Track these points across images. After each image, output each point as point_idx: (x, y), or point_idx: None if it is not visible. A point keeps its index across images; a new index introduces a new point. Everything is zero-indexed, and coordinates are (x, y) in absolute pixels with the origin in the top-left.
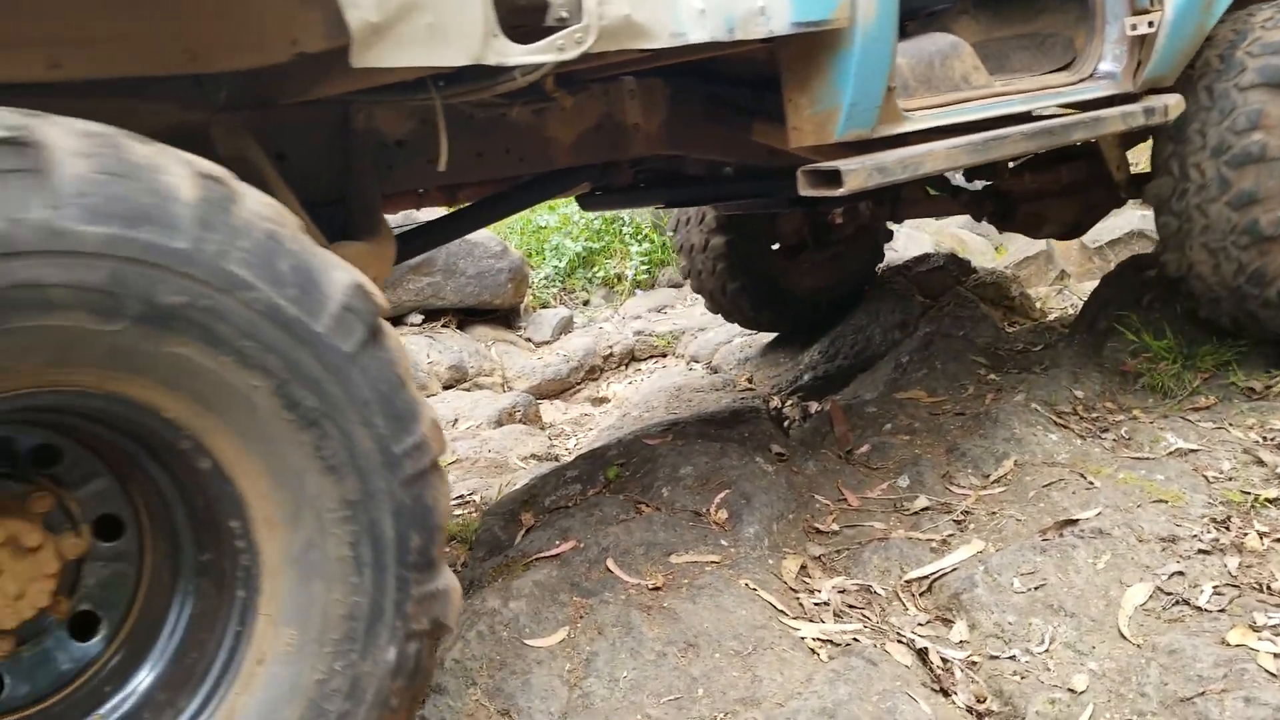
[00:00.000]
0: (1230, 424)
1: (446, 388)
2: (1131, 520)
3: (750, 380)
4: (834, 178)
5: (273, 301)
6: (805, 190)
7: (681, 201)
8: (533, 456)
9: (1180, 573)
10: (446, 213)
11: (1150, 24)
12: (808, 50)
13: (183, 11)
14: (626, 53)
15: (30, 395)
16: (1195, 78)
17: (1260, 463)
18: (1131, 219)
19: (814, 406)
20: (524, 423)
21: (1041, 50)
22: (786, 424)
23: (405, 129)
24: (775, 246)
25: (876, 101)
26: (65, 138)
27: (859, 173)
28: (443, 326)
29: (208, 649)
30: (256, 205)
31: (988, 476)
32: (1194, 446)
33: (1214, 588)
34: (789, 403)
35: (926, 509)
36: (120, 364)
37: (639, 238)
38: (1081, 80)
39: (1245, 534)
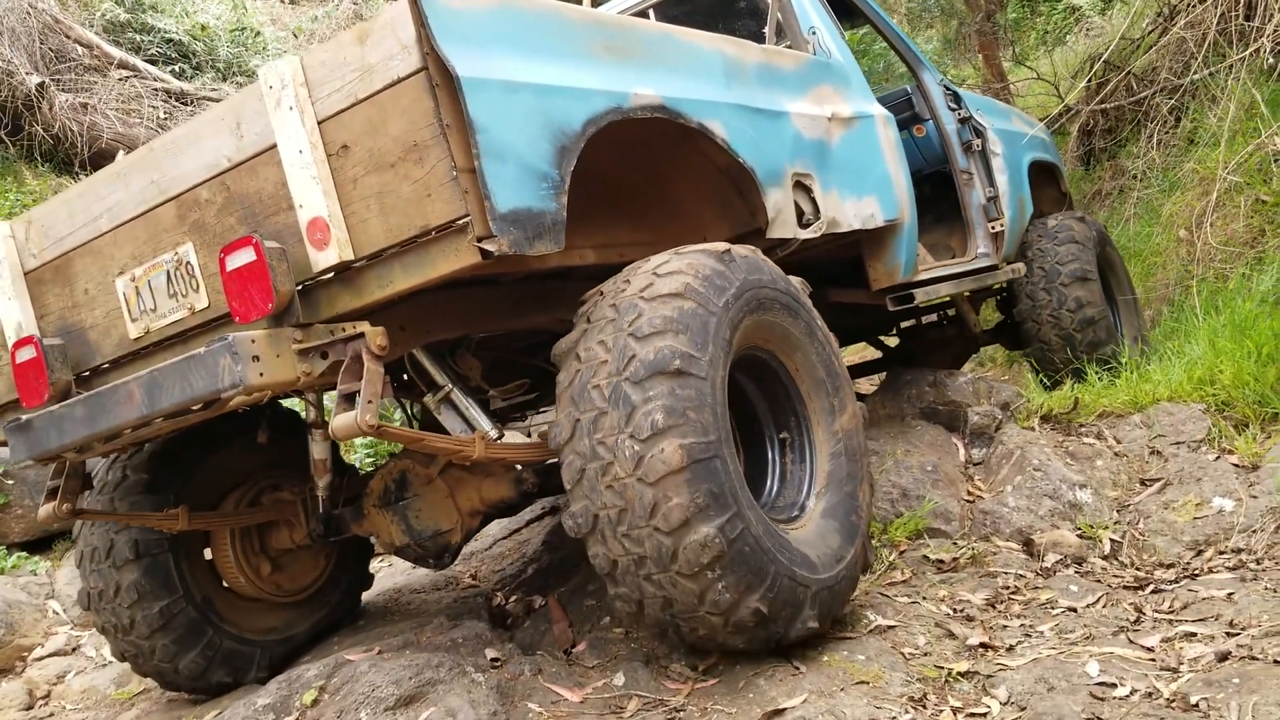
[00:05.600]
0: (924, 597)
1: None
2: (834, 706)
3: (474, 576)
4: (909, 298)
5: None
6: (893, 307)
7: None
8: None
9: None
10: None
11: (1000, 225)
12: (883, 235)
13: (663, 227)
14: (830, 235)
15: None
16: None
17: (951, 635)
18: None
19: (537, 601)
20: None
21: (933, 254)
22: (509, 621)
23: None
24: None
25: (914, 262)
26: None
27: (918, 294)
28: None
29: (797, 468)
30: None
31: (697, 667)
32: (891, 623)
33: None
34: (513, 599)
35: (640, 710)
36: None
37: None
38: (974, 259)
39: (940, 711)
